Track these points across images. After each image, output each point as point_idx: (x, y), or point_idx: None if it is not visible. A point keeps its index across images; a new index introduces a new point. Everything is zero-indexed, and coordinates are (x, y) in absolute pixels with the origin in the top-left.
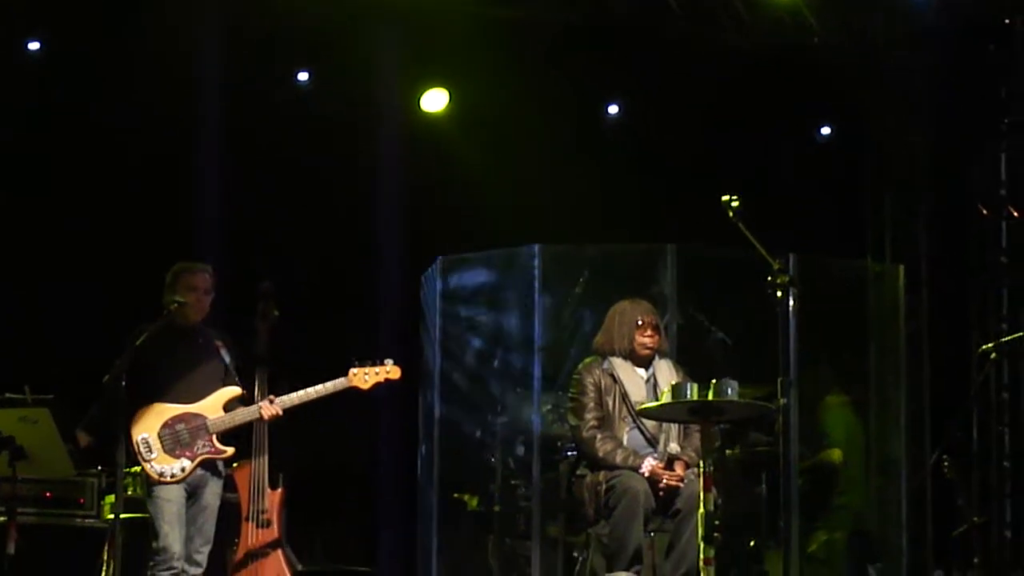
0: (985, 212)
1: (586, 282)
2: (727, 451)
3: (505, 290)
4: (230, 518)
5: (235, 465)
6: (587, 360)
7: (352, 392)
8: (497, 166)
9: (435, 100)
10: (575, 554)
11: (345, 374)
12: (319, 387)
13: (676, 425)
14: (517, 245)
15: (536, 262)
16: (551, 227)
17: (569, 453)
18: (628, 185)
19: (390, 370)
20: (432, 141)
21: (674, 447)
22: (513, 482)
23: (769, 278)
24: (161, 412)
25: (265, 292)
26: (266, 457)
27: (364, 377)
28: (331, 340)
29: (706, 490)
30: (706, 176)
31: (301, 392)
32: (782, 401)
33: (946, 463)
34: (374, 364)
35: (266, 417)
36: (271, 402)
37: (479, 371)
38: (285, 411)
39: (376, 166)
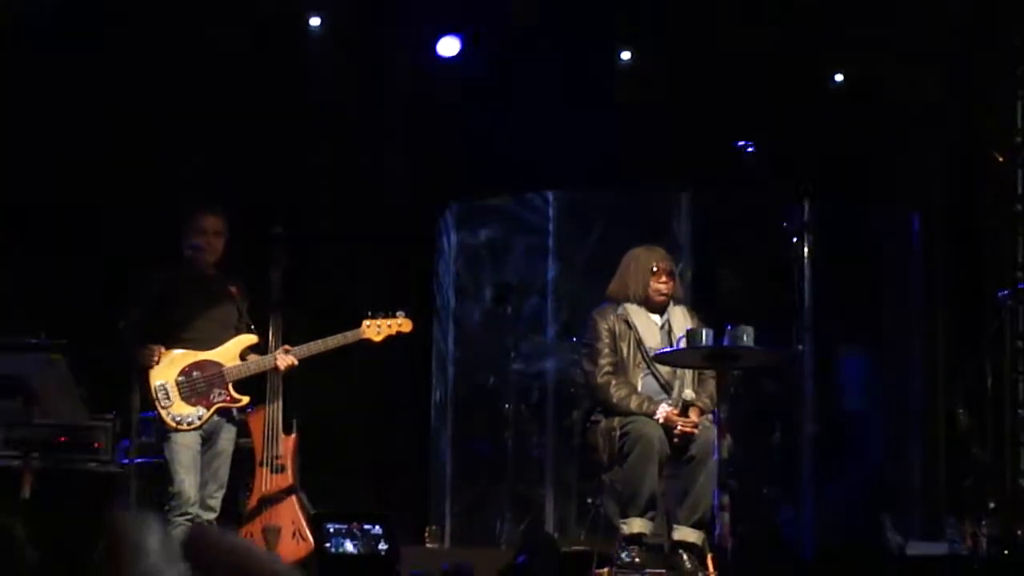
0: (1000, 159)
1: (600, 228)
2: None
3: (519, 237)
4: (244, 463)
5: (249, 411)
6: (601, 306)
7: (365, 344)
8: (510, 112)
9: (449, 46)
10: (589, 500)
11: (358, 325)
12: (332, 338)
13: (691, 371)
14: (531, 191)
15: (550, 208)
16: (565, 174)
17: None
18: (643, 131)
19: (402, 322)
20: (446, 87)
21: (689, 393)
22: (527, 429)
23: (784, 223)
24: (178, 359)
25: (278, 238)
26: (280, 403)
27: (377, 329)
28: (344, 287)
29: (720, 437)
30: (721, 122)
31: (314, 343)
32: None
33: (961, 412)
34: (387, 316)
35: (281, 367)
36: (286, 352)
37: (493, 318)
38: (300, 361)
39: (390, 112)
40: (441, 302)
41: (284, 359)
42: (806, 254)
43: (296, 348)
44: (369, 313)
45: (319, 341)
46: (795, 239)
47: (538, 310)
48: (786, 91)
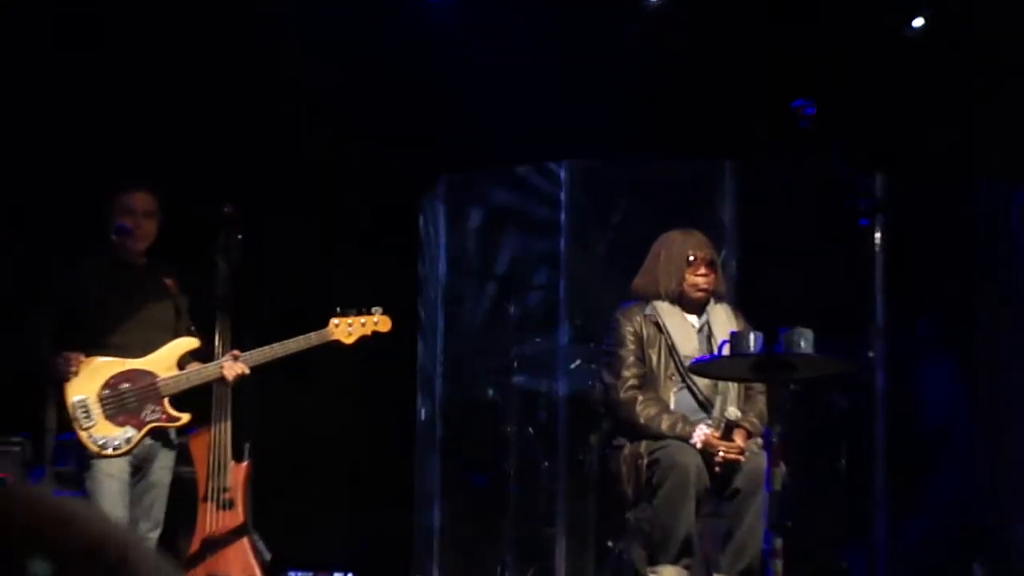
0: None
1: (624, 208)
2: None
3: (523, 217)
4: (184, 498)
5: (190, 433)
6: (626, 304)
7: (334, 347)
8: (514, 68)
9: None
10: (609, 544)
11: (325, 325)
12: (292, 341)
13: (735, 385)
14: (538, 162)
15: (562, 182)
16: (579, 140)
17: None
18: (676, 87)
19: (378, 321)
20: (438, 40)
21: (733, 412)
22: (533, 455)
23: (851, 203)
24: (101, 368)
25: (227, 219)
26: (229, 423)
27: (347, 329)
28: (309, 280)
29: (774, 464)
30: (773, 77)
31: (270, 348)
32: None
33: None
34: (359, 313)
35: (230, 378)
36: (235, 358)
37: (491, 318)
38: (253, 369)
39: (369, 71)
40: (426, 297)
41: (233, 368)
42: (878, 240)
43: (248, 354)
44: (338, 310)
45: (276, 345)
46: (865, 221)
47: (547, 309)
48: (853, 39)
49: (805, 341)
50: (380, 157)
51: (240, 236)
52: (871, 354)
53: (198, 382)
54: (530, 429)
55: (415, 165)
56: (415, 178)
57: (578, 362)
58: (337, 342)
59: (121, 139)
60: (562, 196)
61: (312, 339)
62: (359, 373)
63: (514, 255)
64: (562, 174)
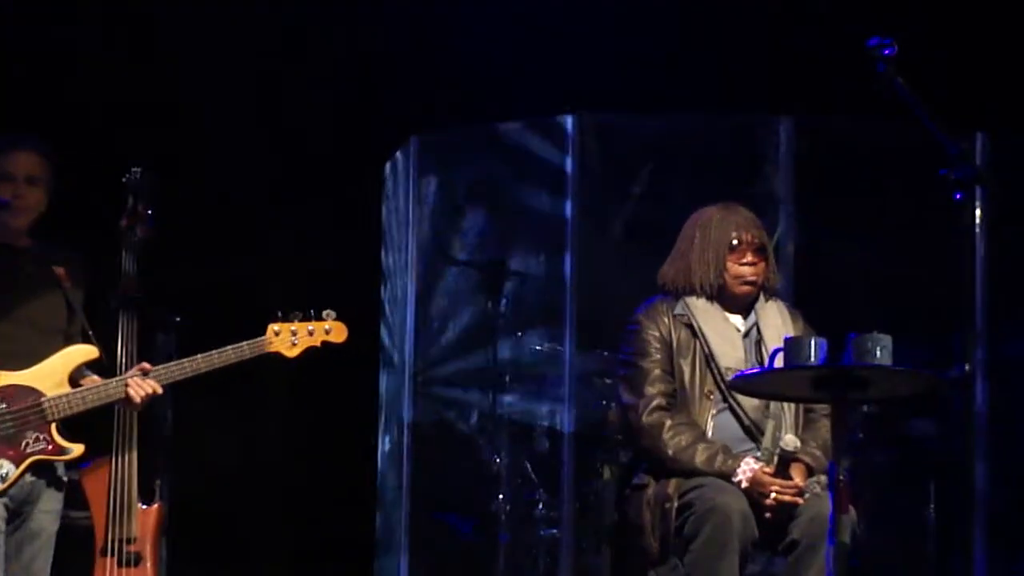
0: None
1: (649, 174)
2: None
3: (519, 186)
4: (76, 550)
5: (85, 467)
6: (650, 302)
7: (274, 359)
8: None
9: None
10: None
11: (262, 332)
12: (220, 353)
13: (791, 407)
14: (539, 116)
15: (571, 140)
16: (592, 89)
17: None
18: (714, 22)
19: (331, 327)
20: None
21: (790, 440)
22: (530, 495)
23: (945, 171)
24: None
25: (135, 187)
26: (134, 455)
27: (290, 339)
28: (242, 271)
29: (841, 510)
30: (843, 9)
31: (189, 361)
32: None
33: None
34: (306, 319)
35: (136, 398)
36: (144, 374)
37: (475, 319)
38: (168, 387)
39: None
40: (391, 294)
41: (141, 386)
42: (978, 219)
43: (161, 368)
44: (279, 314)
45: (198, 357)
46: (961, 195)
47: (547, 306)
48: None
49: (882, 349)
50: (334, 110)
51: (151, 211)
52: (967, 367)
53: (96, 403)
54: (526, 462)
55: (377, 121)
56: (377, 139)
57: (587, 375)
58: (277, 354)
59: None
60: (568, 159)
61: (244, 350)
62: (306, 392)
63: (504, 237)
64: (568, 130)
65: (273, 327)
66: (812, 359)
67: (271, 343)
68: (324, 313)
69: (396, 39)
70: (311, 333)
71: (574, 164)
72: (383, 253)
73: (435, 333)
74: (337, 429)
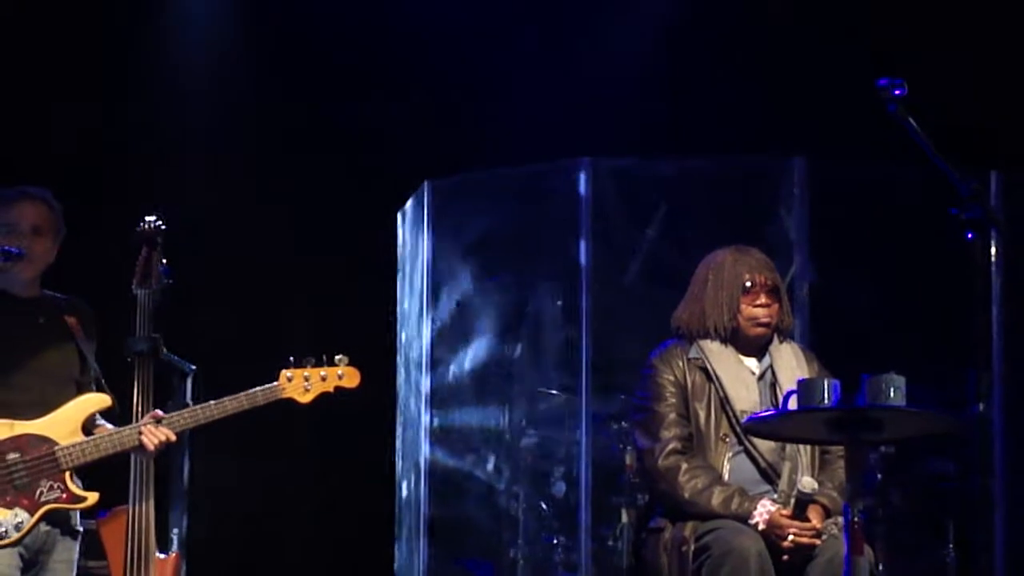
0: None
1: (664, 216)
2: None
3: (533, 231)
4: None
5: (101, 517)
6: (664, 345)
7: (290, 406)
8: (518, 39)
9: None
10: None
11: (275, 378)
12: (232, 399)
13: (807, 448)
14: (553, 160)
15: (583, 185)
16: (605, 135)
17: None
18: (727, 66)
19: (344, 373)
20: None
21: (808, 482)
22: (548, 539)
23: (956, 210)
24: None
25: (148, 236)
26: (151, 504)
27: (303, 384)
28: (257, 319)
29: (856, 552)
30: (855, 52)
31: (203, 408)
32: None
33: None
34: (319, 364)
35: (150, 446)
36: (157, 421)
37: (492, 363)
38: (184, 435)
39: (337, 47)
40: (407, 338)
41: (154, 433)
42: (993, 257)
43: (174, 415)
44: (291, 360)
45: (211, 404)
46: (973, 235)
47: (563, 350)
48: (956, 3)
49: (896, 390)
50: (349, 157)
51: (165, 260)
52: (980, 407)
53: (110, 451)
54: (543, 505)
55: (392, 167)
56: (392, 184)
57: (603, 419)
58: (290, 400)
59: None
60: (582, 204)
61: (258, 397)
62: (322, 438)
63: (520, 281)
64: (582, 176)
65: (286, 373)
66: (825, 401)
67: (284, 389)
68: (337, 358)
69: (411, 84)
70: (324, 379)
71: (588, 208)
72: (398, 299)
73: (452, 378)
74: (355, 476)
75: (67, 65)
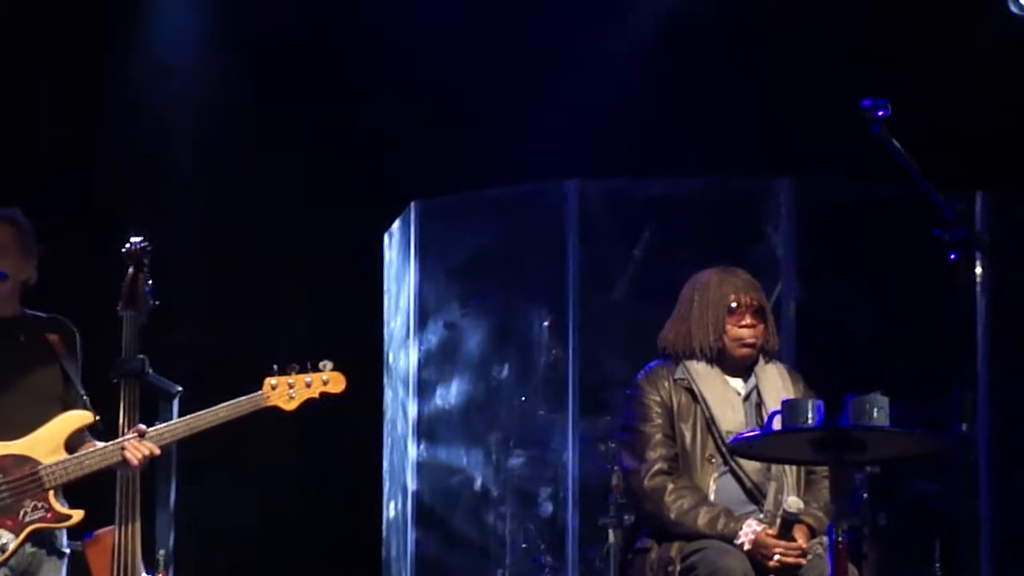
0: None
1: (650, 237)
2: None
3: (520, 252)
4: None
5: (87, 538)
6: (650, 366)
7: (276, 417)
8: (504, 58)
9: None
10: None
11: (259, 386)
12: (215, 410)
13: (793, 469)
14: (540, 182)
15: (571, 206)
16: (593, 156)
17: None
18: (713, 87)
19: (329, 378)
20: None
21: (794, 502)
22: (536, 559)
23: (939, 231)
24: None
25: (134, 255)
26: (138, 525)
27: (288, 392)
28: (242, 335)
29: (841, 571)
30: (837, 71)
31: (187, 420)
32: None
33: None
34: (303, 370)
35: (133, 461)
36: (141, 436)
37: (478, 384)
38: (171, 458)
39: (323, 67)
40: (394, 358)
41: (137, 448)
42: (979, 276)
43: (157, 429)
44: (275, 367)
45: (194, 416)
46: (956, 255)
47: (550, 371)
48: (941, 23)
49: (879, 410)
50: (334, 176)
51: (151, 281)
52: (964, 427)
53: (94, 468)
54: (530, 526)
55: (378, 187)
56: (379, 205)
57: (590, 439)
58: (275, 408)
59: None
60: (569, 224)
61: (243, 405)
62: (310, 458)
63: (507, 302)
64: (570, 197)
65: (270, 381)
66: (809, 421)
67: (268, 397)
68: (321, 364)
69: (396, 105)
70: (309, 385)
71: (576, 229)
72: (385, 319)
73: (439, 398)
74: (342, 496)
75: (53, 83)
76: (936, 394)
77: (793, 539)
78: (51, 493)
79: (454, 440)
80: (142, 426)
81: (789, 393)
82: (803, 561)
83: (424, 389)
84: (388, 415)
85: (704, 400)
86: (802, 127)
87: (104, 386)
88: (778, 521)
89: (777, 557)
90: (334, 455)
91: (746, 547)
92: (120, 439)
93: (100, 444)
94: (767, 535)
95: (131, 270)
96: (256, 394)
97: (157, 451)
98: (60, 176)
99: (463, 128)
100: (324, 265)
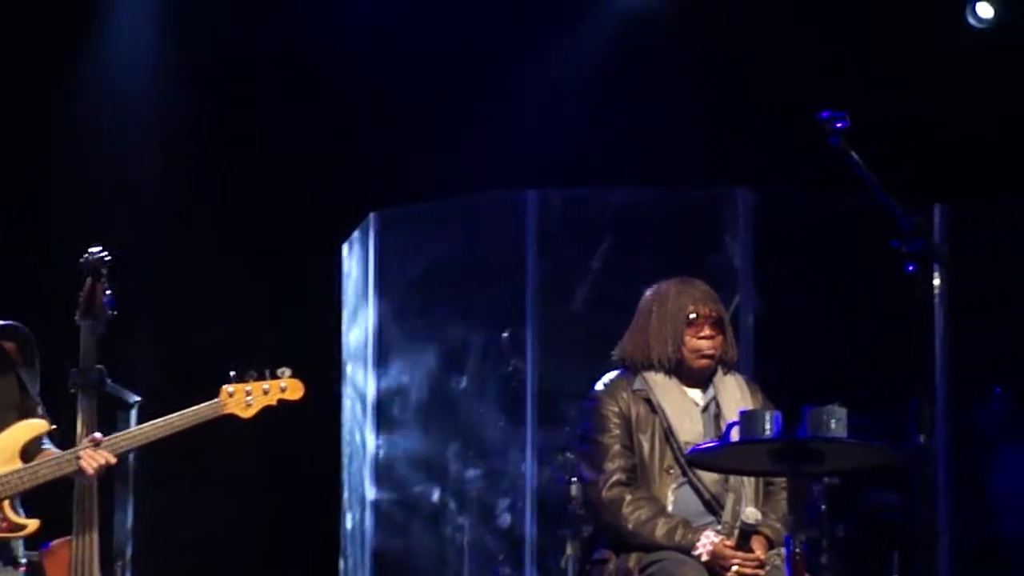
0: None
1: (608, 249)
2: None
3: (479, 262)
4: None
5: (43, 548)
6: (608, 377)
7: (233, 424)
8: (462, 67)
9: None
10: None
11: (216, 394)
12: (171, 418)
13: (751, 480)
14: (499, 191)
15: (531, 217)
16: (552, 167)
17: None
18: (671, 97)
19: (286, 385)
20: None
21: (752, 513)
22: (494, 571)
23: (897, 243)
24: None
25: (93, 265)
26: (95, 535)
27: (245, 399)
28: (203, 350)
29: None
30: (795, 81)
31: (143, 428)
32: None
33: None
34: (261, 378)
35: (89, 470)
36: (96, 444)
37: (436, 394)
38: (128, 458)
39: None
40: (352, 368)
41: (92, 457)
42: (936, 288)
43: (112, 438)
44: (232, 374)
45: (152, 423)
46: (915, 266)
47: (508, 381)
48: (900, 34)
49: (837, 422)
50: (291, 187)
51: (109, 291)
52: (922, 438)
53: (49, 477)
54: (489, 537)
55: (336, 196)
56: (336, 214)
57: (548, 450)
58: (232, 416)
59: None
60: (528, 235)
61: (199, 413)
62: (268, 468)
63: (465, 311)
64: (529, 207)
65: (227, 388)
66: (767, 432)
67: (225, 405)
68: (279, 371)
69: (355, 113)
70: (266, 392)
71: (535, 239)
72: (343, 330)
73: (397, 410)
74: (300, 507)
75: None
76: (894, 405)
77: (751, 550)
78: (6, 503)
79: (412, 451)
80: (97, 435)
81: (747, 404)
82: (761, 572)
83: (382, 400)
84: (347, 425)
85: (662, 411)
86: (760, 138)
87: (62, 395)
88: (736, 532)
89: (735, 568)
90: (293, 465)
91: (704, 558)
92: (75, 448)
93: (57, 453)
94: (725, 546)
95: (89, 280)
96: (213, 401)
97: (113, 460)
98: (16, 184)
99: (422, 138)
100: (283, 275)
